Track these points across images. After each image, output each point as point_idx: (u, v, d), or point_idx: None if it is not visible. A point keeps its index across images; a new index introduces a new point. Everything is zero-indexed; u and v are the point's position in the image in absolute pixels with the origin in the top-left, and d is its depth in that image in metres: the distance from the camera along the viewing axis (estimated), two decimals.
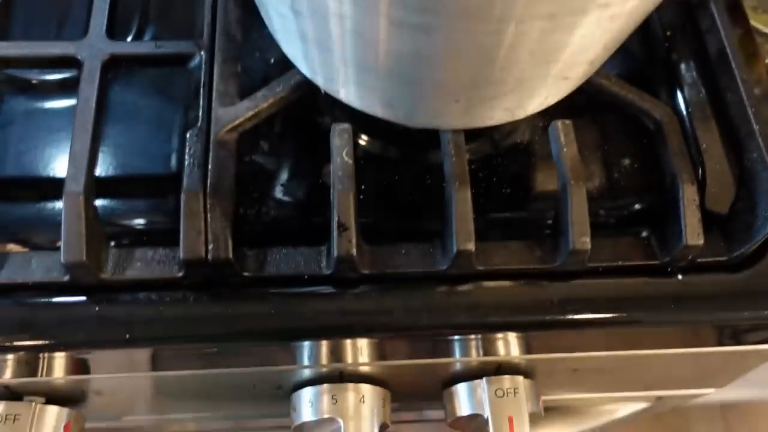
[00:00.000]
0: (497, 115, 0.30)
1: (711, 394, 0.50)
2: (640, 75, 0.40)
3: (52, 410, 0.37)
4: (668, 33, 0.41)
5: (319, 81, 0.32)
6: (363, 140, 0.38)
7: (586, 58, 0.27)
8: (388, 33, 0.24)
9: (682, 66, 0.39)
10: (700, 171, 0.35)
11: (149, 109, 0.39)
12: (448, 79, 0.27)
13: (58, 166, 0.37)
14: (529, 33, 0.23)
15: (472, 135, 0.38)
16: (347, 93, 0.31)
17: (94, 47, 0.35)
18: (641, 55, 0.41)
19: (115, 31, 0.37)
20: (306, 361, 0.35)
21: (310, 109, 0.39)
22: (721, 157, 0.36)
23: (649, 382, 0.45)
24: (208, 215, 0.31)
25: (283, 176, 0.37)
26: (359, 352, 0.34)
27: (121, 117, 0.38)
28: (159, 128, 0.38)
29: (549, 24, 0.23)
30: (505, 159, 0.38)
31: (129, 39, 0.40)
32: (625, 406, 0.50)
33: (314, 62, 0.30)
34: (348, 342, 0.34)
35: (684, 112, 0.37)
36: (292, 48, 0.31)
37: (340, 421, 0.34)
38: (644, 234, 0.34)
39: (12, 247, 0.35)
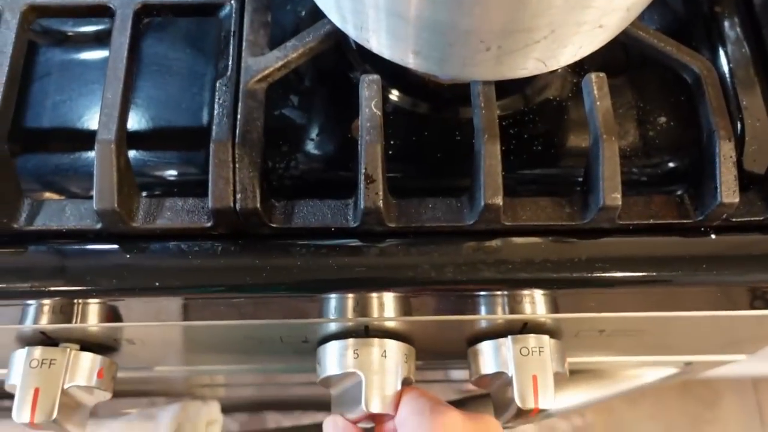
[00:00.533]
0: (529, 65, 0.29)
1: (742, 366, 0.49)
2: (681, 29, 0.39)
3: (87, 357, 0.38)
4: None
5: (350, 30, 0.31)
6: (393, 95, 0.38)
7: (623, 4, 0.26)
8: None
9: (725, 20, 0.37)
10: (739, 128, 0.34)
11: (180, 61, 0.39)
12: (479, 25, 0.26)
13: (92, 117, 0.38)
14: None
15: (504, 91, 0.37)
16: (378, 41, 0.30)
17: None
18: (682, 9, 0.40)
19: None
20: (331, 315, 0.35)
21: (340, 64, 0.39)
22: (763, 115, 0.35)
23: (677, 347, 0.44)
24: (237, 165, 0.31)
25: (312, 130, 0.37)
26: (384, 306, 0.35)
27: (152, 69, 0.39)
28: (189, 80, 0.38)
29: None
30: (536, 115, 0.37)
31: None
32: (653, 371, 0.49)
33: (345, 9, 0.30)
34: (373, 296, 0.34)
35: (725, 68, 0.36)
36: None
37: (361, 375, 0.35)
38: (678, 192, 0.33)
39: (47, 195, 0.36)
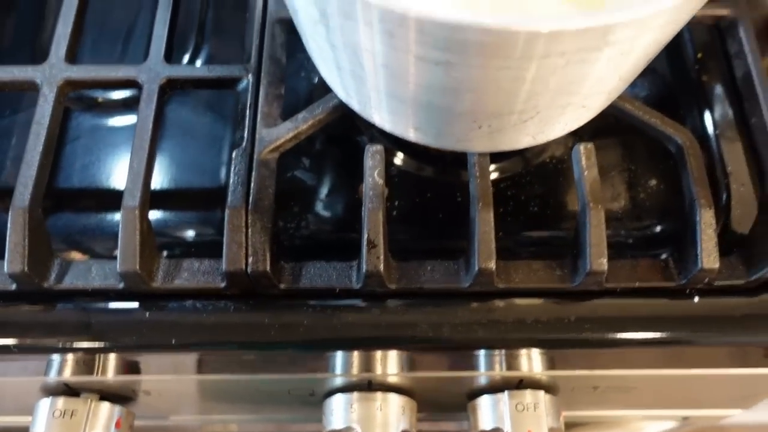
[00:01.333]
0: (521, 140, 0.32)
1: (754, 414, 0.50)
2: (669, 96, 0.41)
3: (106, 407, 0.40)
4: (699, 55, 0.41)
5: (355, 105, 0.34)
6: (397, 158, 0.41)
7: (603, 89, 0.29)
8: (414, 68, 0.26)
9: (712, 88, 0.40)
10: (724, 193, 0.36)
11: (200, 128, 0.42)
12: (471, 109, 0.29)
13: (118, 179, 0.41)
14: (545, 70, 0.25)
15: (502, 155, 0.40)
16: (380, 118, 0.33)
17: (153, 71, 0.38)
18: (670, 77, 0.42)
19: (172, 55, 0.40)
20: (336, 370, 0.37)
21: (348, 128, 0.41)
22: (747, 180, 0.37)
23: (671, 402, 0.45)
24: (249, 230, 0.34)
25: (321, 193, 0.40)
26: (386, 363, 0.36)
27: (174, 135, 0.42)
28: (208, 146, 0.41)
29: (563, 60, 0.25)
30: (533, 178, 0.40)
31: (185, 60, 0.44)
32: (651, 426, 0.50)
33: (349, 89, 0.32)
34: (376, 353, 0.36)
35: (712, 135, 0.38)
36: (329, 75, 0.34)
37: (359, 428, 0.36)
38: (663, 256, 0.34)
39: (75, 255, 0.39)
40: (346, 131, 0.42)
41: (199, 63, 0.45)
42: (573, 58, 0.25)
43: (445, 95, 0.28)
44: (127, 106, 0.44)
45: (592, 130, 0.39)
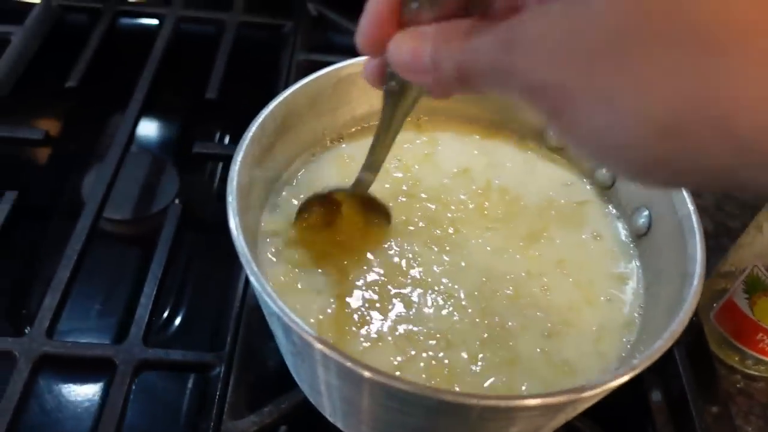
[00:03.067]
0: None
1: None
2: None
3: None
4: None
5: (314, 403, 0.36)
6: None
7: None
8: (369, 408, 0.29)
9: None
10: None
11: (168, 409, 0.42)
12: None
13: None
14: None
15: None
16: (335, 420, 0.35)
17: (129, 353, 0.40)
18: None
19: (149, 337, 0.42)
20: None
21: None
22: None
23: None
24: None
25: None
26: None
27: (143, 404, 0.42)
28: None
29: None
30: None
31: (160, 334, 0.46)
32: None
33: (311, 394, 0.35)
34: None
35: None
36: (296, 375, 0.36)
37: None
38: None
39: None
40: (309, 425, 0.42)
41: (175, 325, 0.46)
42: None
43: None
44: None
45: None
